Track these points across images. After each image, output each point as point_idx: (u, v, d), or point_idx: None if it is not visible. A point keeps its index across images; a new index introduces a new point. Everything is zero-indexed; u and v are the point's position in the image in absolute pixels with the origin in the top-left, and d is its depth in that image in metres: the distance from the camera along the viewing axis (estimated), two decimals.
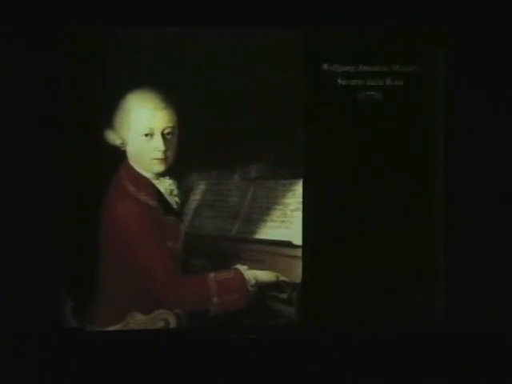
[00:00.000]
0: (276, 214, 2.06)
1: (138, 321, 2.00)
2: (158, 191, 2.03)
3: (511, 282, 2.12)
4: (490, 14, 2.09)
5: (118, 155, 2.01)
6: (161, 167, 2.02)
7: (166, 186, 2.03)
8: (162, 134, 2.00)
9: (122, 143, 2.00)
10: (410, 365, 2.09)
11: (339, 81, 2.06)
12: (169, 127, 2.01)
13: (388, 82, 2.07)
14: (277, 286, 2.06)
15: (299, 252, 2.05)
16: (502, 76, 2.12)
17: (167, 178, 2.03)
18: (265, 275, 2.05)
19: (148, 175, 2.02)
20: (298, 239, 2.05)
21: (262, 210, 2.06)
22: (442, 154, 2.09)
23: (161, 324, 2.02)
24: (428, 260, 2.10)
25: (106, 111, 1.99)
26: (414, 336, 2.09)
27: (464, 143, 2.10)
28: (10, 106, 1.97)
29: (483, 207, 2.12)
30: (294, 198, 2.05)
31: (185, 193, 2.05)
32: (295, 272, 2.05)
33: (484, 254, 2.11)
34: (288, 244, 2.05)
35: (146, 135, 2.00)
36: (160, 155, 2.01)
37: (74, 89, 1.98)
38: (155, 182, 2.03)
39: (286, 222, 2.04)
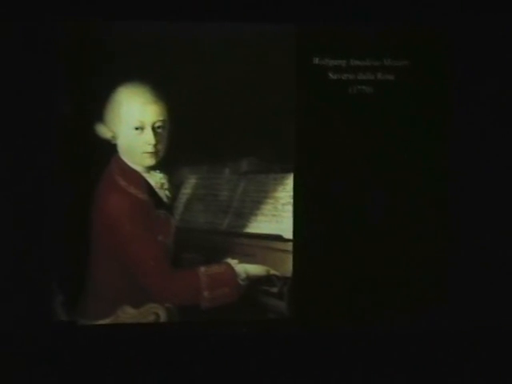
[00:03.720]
0: (267, 208, 2.06)
1: (128, 314, 2.00)
2: (148, 185, 2.03)
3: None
4: (483, 9, 2.09)
5: (109, 148, 2.01)
6: (151, 161, 2.02)
7: (156, 179, 2.03)
8: (153, 128, 2.00)
9: (113, 136, 2.00)
10: (401, 357, 2.09)
11: (330, 75, 2.06)
12: (159, 121, 2.00)
13: (379, 76, 2.07)
14: (267, 279, 2.06)
15: (290, 246, 2.05)
16: (496, 69, 2.12)
17: (158, 171, 2.03)
18: (255, 269, 2.05)
19: (139, 169, 2.02)
20: (288, 233, 2.05)
21: (253, 204, 2.06)
22: (433, 147, 2.09)
23: (151, 318, 2.02)
24: (421, 253, 2.11)
25: (97, 105, 1.99)
26: (405, 329, 2.09)
27: (458, 135, 2.10)
28: (3, 101, 1.97)
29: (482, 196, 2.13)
30: (284, 192, 2.05)
31: (175, 187, 2.05)
32: (286, 266, 2.05)
33: (486, 244, 2.12)
34: (279, 238, 2.05)
35: (137, 129, 2.00)
36: (151, 149, 2.01)
37: (66, 82, 1.98)
38: (146, 175, 2.03)
39: (276, 216, 2.04)
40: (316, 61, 2.05)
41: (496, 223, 2.13)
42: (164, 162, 2.03)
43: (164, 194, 2.04)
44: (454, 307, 2.11)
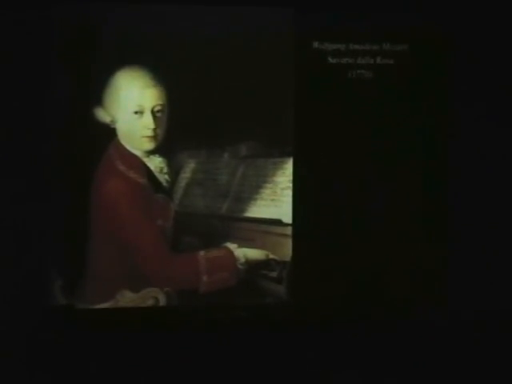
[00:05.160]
0: (266, 192, 2.05)
1: (127, 299, 2.00)
2: (147, 169, 2.03)
3: None
4: None
5: (108, 133, 2.00)
6: (150, 145, 2.02)
7: (155, 163, 2.03)
8: (152, 112, 2.00)
9: (112, 121, 1.99)
10: (399, 341, 2.09)
11: (330, 59, 2.05)
12: (159, 105, 2.00)
13: (378, 60, 2.06)
14: (266, 264, 2.06)
15: (289, 230, 2.05)
16: (497, 54, 2.12)
17: (157, 155, 2.03)
18: (255, 253, 2.05)
19: (138, 153, 2.02)
20: (287, 217, 2.05)
21: (252, 189, 2.06)
22: (433, 131, 2.09)
23: (150, 302, 2.02)
24: (423, 238, 2.11)
25: (96, 89, 1.98)
26: (403, 313, 2.09)
27: (458, 119, 2.09)
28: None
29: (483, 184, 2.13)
30: (284, 177, 2.04)
31: (175, 171, 2.05)
32: (285, 250, 2.05)
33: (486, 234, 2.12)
34: (278, 222, 2.05)
35: (136, 113, 2.00)
36: (150, 133, 2.01)
37: (65, 66, 1.98)
38: (145, 159, 2.03)
39: (275, 201, 2.04)
40: (315, 45, 2.05)
41: (497, 209, 2.14)
42: (163, 147, 2.03)
43: (163, 178, 2.04)
44: (454, 299, 2.11)
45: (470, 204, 2.12)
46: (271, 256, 2.05)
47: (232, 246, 2.05)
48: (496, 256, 2.11)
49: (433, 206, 2.11)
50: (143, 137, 2.01)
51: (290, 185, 2.04)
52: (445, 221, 2.11)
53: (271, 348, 2.05)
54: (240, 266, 2.04)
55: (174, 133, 2.02)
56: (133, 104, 1.99)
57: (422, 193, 2.09)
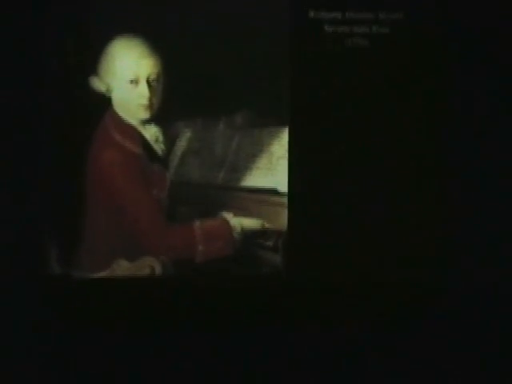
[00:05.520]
0: (262, 161, 2.05)
1: (123, 268, 2.00)
2: (143, 138, 2.02)
3: None
4: None
5: (103, 102, 2.00)
6: (146, 114, 2.01)
7: (151, 133, 2.03)
8: (148, 81, 1.99)
9: (107, 90, 1.99)
10: (399, 312, 2.10)
11: (326, 28, 2.05)
12: (154, 74, 2.00)
13: (374, 29, 2.06)
14: (262, 233, 2.06)
15: (285, 199, 2.05)
16: (495, 23, 2.11)
17: (153, 125, 2.03)
18: (250, 223, 2.05)
19: (133, 122, 2.02)
20: (283, 187, 2.05)
21: (248, 158, 2.06)
22: (430, 100, 2.08)
23: (146, 271, 2.02)
24: (423, 208, 2.11)
25: (91, 57, 1.98)
26: (401, 283, 2.10)
27: (455, 89, 2.09)
28: None
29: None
30: (279, 146, 2.04)
31: (170, 140, 2.05)
32: (281, 219, 2.06)
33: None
34: (274, 192, 2.05)
35: (131, 82, 1.99)
36: (145, 102, 2.00)
37: (58, 35, 1.97)
38: (141, 129, 2.02)
39: (271, 170, 2.04)
40: (311, 14, 2.04)
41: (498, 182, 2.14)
42: (159, 116, 2.03)
43: (159, 147, 2.04)
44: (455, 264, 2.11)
45: (470, 172, 2.12)
46: (267, 225, 2.05)
47: (228, 215, 2.05)
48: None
49: (435, 174, 2.10)
50: (139, 106, 2.00)
51: (286, 154, 2.04)
52: (445, 193, 2.11)
53: (267, 316, 2.05)
54: (236, 236, 2.05)
55: (169, 102, 2.02)
56: (128, 73, 1.99)
57: (424, 164, 2.08)
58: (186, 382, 2.02)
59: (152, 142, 2.03)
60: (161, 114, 2.03)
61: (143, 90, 1.99)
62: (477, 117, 2.12)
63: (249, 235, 2.06)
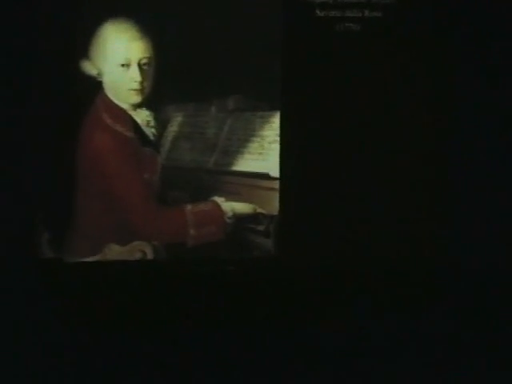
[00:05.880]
0: (253, 146, 2.05)
1: (114, 252, 2.00)
2: (134, 122, 2.02)
3: None
4: None
5: (94, 86, 1.99)
6: (137, 98, 2.01)
7: (142, 117, 2.02)
8: (139, 65, 1.99)
9: (98, 73, 1.98)
10: (391, 295, 2.10)
11: (318, 12, 2.04)
12: (145, 58, 1.99)
13: (366, 13, 2.05)
14: (254, 218, 2.06)
15: (276, 184, 2.05)
16: (487, 10, 2.11)
17: (144, 109, 2.02)
18: (242, 207, 2.05)
19: (125, 106, 2.01)
20: (275, 171, 2.05)
21: (240, 142, 2.06)
22: (425, 87, 2.08)
23: (138, 255, 2.02)
24: (418, 194, 2.11)
25: (82, 41, 1.97)
26: (392, 268, 2.10)
27: (449, 75, 2.09)
28: None
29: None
30: (271, 130, 2.04)
31: (162, 124, 2.04)
32: (272, 204, 2.06)
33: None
34: (265, 176, 2.05)
35: (123, 65, 1.99)
36: (136, 86, 2.00)
37: (49, 18, 1.96)
38: (132, 113, 2.02)
39: (263, 154, 2.04)
40: None
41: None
42: (150, 100, 2.02)
43: (150, 131, 2.03)
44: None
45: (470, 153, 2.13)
46: (259, 210, 2.05)
47: (219, 199, 2.05)
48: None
49: (433, 157, 2.10)
50: (130, 90, 2.00)
51: (278, 138, 2.04)
52: (445, 173, 2.11)
53: (258, 300, 2.05)
54: (227, 220, 2.05)
55: (161, 86, 2.01)
56: (119, 56, 1.98)
57: (418, 145, 2.08)
58: (176, 362, 2.03)
59: (143, 126, 2.03)
60: (152, 98, 2.02)
61: (134, 73, 1.99)
62: (473, 98, 2.12)
63: (240, 220, 2.06)
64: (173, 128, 2.06)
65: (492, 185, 2.14)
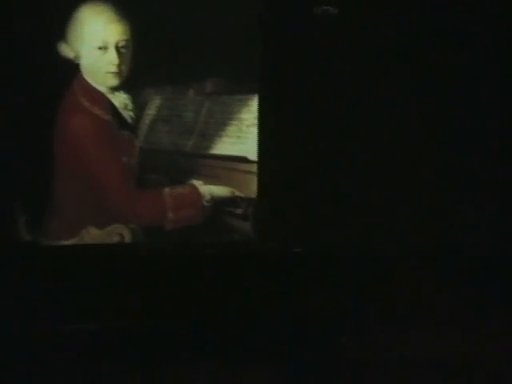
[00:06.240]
0: (231, 129, 2.05)
1: (92, 235, 2.00)
2: (112, 105, 2.01)
3: None
4: None
5: (72, 68, 1.98)
6: (115, 81, 2.00)
7: (120, 100, 2.02)
8: (117, 48, 1.98)
9: (76, 56, 1.97)
10: (368, 277, 2.11)
11: None
12: (123, 40, 1.98)
13: None
14: (232, 201, 2.07)
15: (254, 167, 2.05)
16: None
17: (122, 92, 2.02)
18: (220, 190, 2.05)
19: (102, 89, 2.00)
20: (253, 155, 2.05)
21: (218, 126, 2.06)
22: (403, 68, 2.09)
23: (116, 238, 2.02)
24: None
25: (59, 23, 1.96)
26: (368, 250, 2.11)
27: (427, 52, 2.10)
28: None
29: None
30: (249, 114, 2.04)
31: (140, 107, 2.04)
32: (250, 187, 2.06)
33: None
34: (243, 159, 2.05)
35: (100, 48, 1.98)
36: (114, 69, 1.99)
37: (26, 1, 1.95)
38: (110, 96, 2.01)
39: (241, 138, 2.04)
40: None
41: None
42: (128, 83, 2.02)
43: (128, 114, 2.03)
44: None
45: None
46: (237, 193, 2.06)
47: (197, 182, 2.05)
48: None
49: (411, 139, 2.12)
50: (107, 73, 1.99)
51: (256, 122, 2.04)
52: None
53: (237, 283, 2.05)
54: (205, 203, 2.05)
55: (138, 69, 2.01)
56: (97, 39, 1.97)
57: (397, 125, 2.09)
58: (155, 343, 2.02)
59: (121, 109, 2.02)
60: (130, 81, 2.01)
61: (112, 57, 1.98)
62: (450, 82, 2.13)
63: (218, 203, 2.06)
64: (151, 111, 2.05)
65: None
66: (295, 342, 2.06)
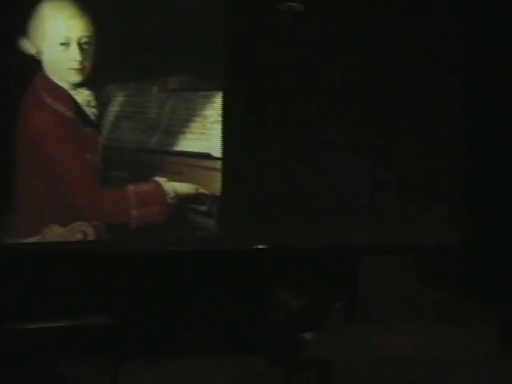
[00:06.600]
0: (195, 126, 2.05)
1: (55, 233, 1.99)
2: (75, 102, 2.01)
3: None
4: None
5: (34, 64, 1.97)
6: (78, 77, 1.99)
7: (83, 96, 2.01)
8: (79, 44, 1.97)
9: (38, 52, 1.96)
10: (338, 272, 2.11)
11: None
12: (85, 37, 1.97)
13: None
14: (196, 198, 2.06)
15: (218, 164, 2.05)
16: None
17: (84, 88, 2.01)
18: (184, 187, 2.05)
19: (65, 86, 1.99)
20: (217, 151, 2.05)
21: (182, 122, 2.05)
22: (372, 62, 2.09)
23: (79, 236, 2.01)
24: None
25: (20, 18, 1.94)
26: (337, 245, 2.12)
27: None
28: None
29: None
30: (213, 110, 2.04)
31: (103, 104, 2.03)
32: (215, 184, 2.06)
33: None
34: (207, 156, 2.05)
35: (62, 44, 1.97)
36: (77, 65, 1.98)
37: None
38: (72, 92, 2.00)
39: (205, 134, 2.04)
40: None
41: None
42: (90, 79, 2.01)
43: (91, 111, 2.02)
44: None
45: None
46: (201, 190, 2.05)
47: (161, 179, 2.04)
48: None
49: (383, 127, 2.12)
50: (70, 69, 1.98)
51: (220, 118, 2.04)
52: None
53: (201, 279, 2.05)
54: (170, 200, 2.04)
55: (101, 65, 2.00)
56: (59, 35, 1.96)
57: (363, 114, 2.10)
58: (121, 340, 2.00)
59: (84, 106, 2.01)
60: (93, 78, 2.00)
61: (74, 53, 1.97)
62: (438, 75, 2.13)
63: (182, 200, 2.06)
64: (114, 108, 2.04)
65: None
66: (258, 337, 2.07)
